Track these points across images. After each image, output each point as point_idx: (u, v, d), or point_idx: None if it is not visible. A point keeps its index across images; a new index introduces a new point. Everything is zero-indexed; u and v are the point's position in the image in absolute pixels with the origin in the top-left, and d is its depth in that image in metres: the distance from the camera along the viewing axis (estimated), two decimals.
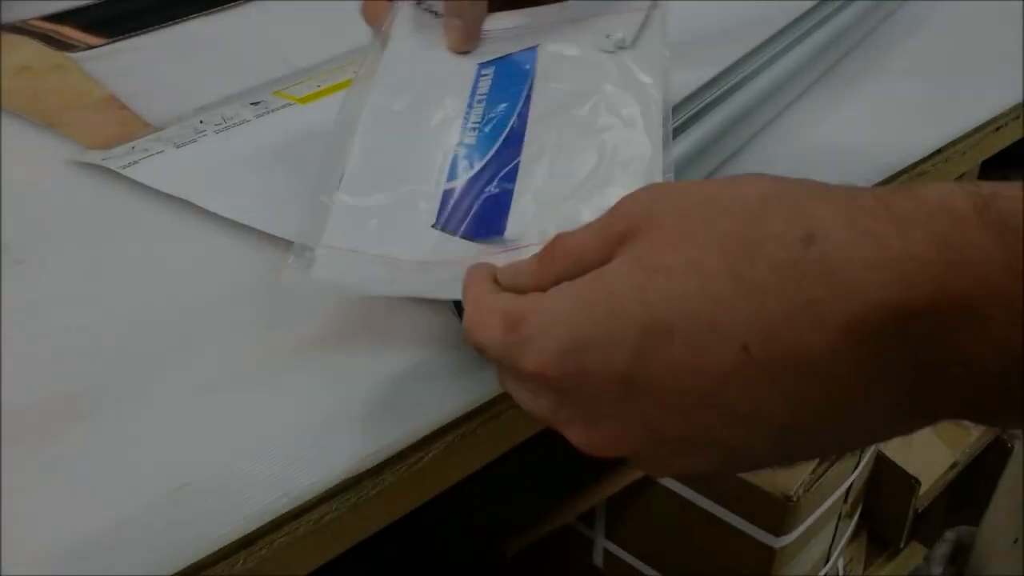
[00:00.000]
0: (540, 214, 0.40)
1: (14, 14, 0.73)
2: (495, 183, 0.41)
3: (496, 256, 0.38)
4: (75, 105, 0.61)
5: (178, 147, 0.54)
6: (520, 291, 0.30)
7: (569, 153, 0.42)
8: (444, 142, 0.44)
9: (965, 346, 0.22)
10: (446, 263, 0.39)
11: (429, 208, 0.41)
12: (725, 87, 0.54)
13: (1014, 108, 0.63)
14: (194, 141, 0.54)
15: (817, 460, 0.75)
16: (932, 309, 0.21)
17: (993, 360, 0.21)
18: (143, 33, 0.71)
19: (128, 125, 0.58)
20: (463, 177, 0.42)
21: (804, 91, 0.62)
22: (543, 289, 0.29)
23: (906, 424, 0.25)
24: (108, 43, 0.69)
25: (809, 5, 0.64)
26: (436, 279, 0.38)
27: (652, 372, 0.25)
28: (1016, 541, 0.51)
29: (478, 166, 0.42)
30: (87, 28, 0.71)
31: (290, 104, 0.59)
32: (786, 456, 0.27)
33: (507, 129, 0.44)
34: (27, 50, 0.68)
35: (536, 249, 0.32)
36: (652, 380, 0.26)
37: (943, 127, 0.59)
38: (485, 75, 0.47)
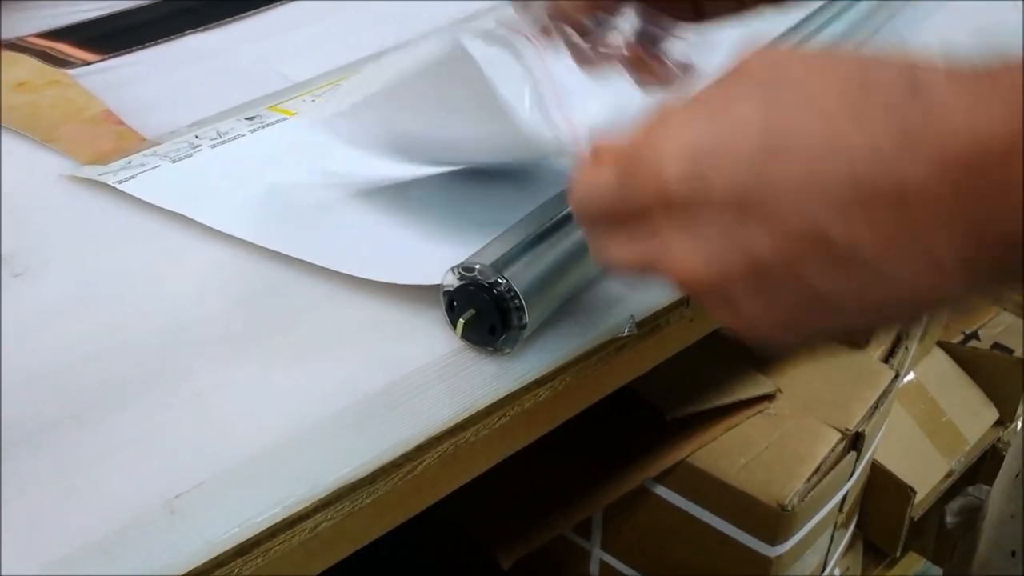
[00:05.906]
0: None
1: (10, 31, 0.73)
2: None
3: None
4: (72, 120, 0.62)
5: (174, 162, 0.54)
6: None
7: None
8: None
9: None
10: None
11: None
12: None
13: None
14: (190, 156, 0.55)
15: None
16: (1011, 145, 0.25)
17: None
18: (139, 49, 0.72)
19: (124, 140, 0.59)
20: None
21: None
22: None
23: (958, 285, 0.28)
24: (104, 59, 0.70)
25: (814, 5, 0.64)
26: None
27: (767, 189, 0.28)
28: (1014, 516, 0.52)
29: None
30: (83, 44, 0.72)
31: (285, 119, 0.59)
32: (863, 320, 0.30)
33: None
34: (24, 66, 0.68)
35: None
36: (766, 198, 0.28)
37: None
38: None
